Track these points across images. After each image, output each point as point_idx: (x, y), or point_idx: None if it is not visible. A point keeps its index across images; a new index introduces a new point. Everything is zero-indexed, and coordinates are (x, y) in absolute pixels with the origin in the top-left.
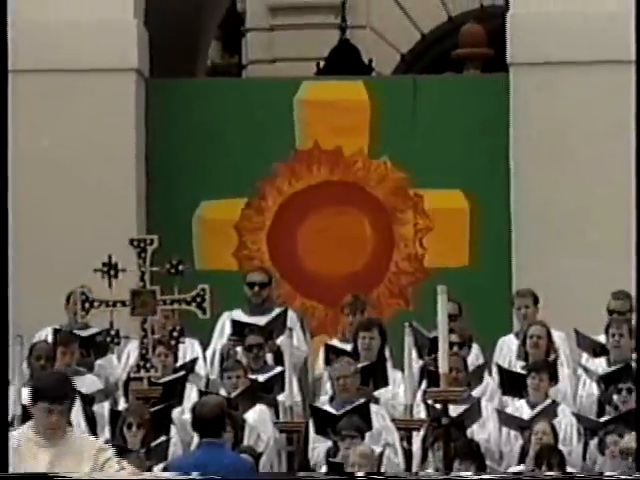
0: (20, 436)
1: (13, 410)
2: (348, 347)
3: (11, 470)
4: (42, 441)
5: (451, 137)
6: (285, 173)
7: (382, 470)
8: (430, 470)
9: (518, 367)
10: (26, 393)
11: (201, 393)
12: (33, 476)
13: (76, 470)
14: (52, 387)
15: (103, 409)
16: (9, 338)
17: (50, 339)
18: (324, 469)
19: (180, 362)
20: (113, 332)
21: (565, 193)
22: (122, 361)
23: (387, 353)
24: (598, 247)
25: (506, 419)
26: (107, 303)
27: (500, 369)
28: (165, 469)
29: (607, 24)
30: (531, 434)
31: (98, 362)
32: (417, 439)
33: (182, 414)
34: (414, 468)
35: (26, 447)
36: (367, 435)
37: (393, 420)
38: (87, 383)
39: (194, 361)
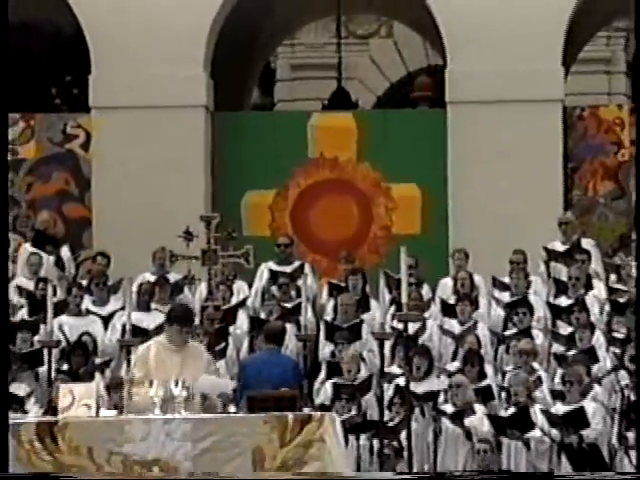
0: (156, 344)
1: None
2: (343, 284)
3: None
4: (174, 349)
5: (409, 150)
6: (301, 173)
7: (363, 366)
8: (394, 366)
9: (452, 299)
10: (161, 317)
11: (250, 317)
12: (33, 476)
13: (198, 367)
14: (184, 315)
15: None
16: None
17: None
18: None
19: (235, 296)
20: (190, 277)
21: (483, 188)
22: (197, 296)
23: (367, 290)
24: (503, 221)
25: (444, 332)
26: (185, 257)
27: (441, 300)
28: (240, 364)
29: (512, 74)
30: (462, 342)
31: (178, 297)
32: (387, 345)
33: (235, 330)
34: (386, 364)
35: (162, 352)
36: (358, 343)
37: (372, 333)
38: None
39: (245, 299)
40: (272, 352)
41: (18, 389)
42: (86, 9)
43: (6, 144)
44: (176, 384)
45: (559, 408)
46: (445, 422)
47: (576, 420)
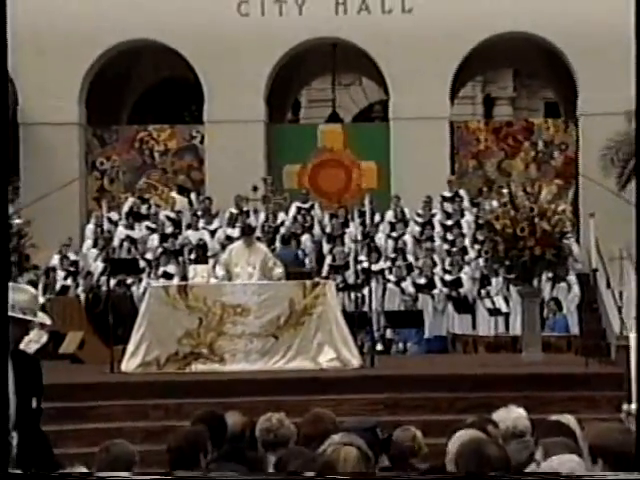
0: (237, 245)
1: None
2: (335, 214)
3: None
4: (245, 245)
5: (370, 144)
6: (314, 155)
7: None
8: (362, 256)
9: (393, 221)
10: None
11: (287, 230)
12: (33, 476)
13: (260, 256)
14: (247, 230)
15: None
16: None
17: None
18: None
19: (279, 220)
20: (256, 209)
21: (409, 163)
22: (259, 220)
23: (349, 217)
24: (420, 180)
25: (389, 237)
26: (253, 200)
27: (388, 222)
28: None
29: (423, 102)
30: (397, 243)
31: (248, 220)
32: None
33: (279, 237)
34: (357, 255)
35: (240, 249)
36: (346, 238)
37: (351, 239)
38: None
39: (283, 222)
40: (286, 248)
41: (171, 270)
42: (202, 69)
43: (6, 144)
44: (249, 265)
45: (448, 278)
46: (390, 285)
47: (457, 283)
